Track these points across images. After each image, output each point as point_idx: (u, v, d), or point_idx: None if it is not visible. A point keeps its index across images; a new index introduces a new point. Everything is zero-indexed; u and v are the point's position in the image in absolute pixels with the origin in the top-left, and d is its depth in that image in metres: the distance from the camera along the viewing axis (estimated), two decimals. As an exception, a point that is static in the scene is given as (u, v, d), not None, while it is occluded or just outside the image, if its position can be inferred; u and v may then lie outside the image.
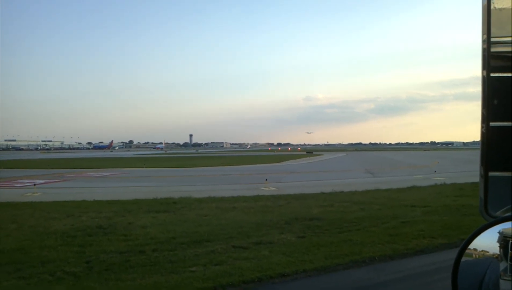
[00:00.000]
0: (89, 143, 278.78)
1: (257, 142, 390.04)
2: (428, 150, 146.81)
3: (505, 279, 1.05)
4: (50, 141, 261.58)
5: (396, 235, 9.95)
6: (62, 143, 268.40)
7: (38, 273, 7.30)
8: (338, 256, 8.25)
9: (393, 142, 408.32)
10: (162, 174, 34.45)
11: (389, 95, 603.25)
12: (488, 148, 1.33)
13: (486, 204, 1.33)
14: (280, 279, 7.10)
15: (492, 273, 1.07)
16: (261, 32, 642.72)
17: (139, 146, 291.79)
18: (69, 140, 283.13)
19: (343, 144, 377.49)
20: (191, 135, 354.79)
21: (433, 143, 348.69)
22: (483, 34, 1.32)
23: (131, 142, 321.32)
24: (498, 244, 1.08)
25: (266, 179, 24.19)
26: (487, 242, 1.10)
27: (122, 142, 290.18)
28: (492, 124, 1.31)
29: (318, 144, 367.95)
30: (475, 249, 1.12)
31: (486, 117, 1.31)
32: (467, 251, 1.13)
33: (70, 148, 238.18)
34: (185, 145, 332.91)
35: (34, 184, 22.58)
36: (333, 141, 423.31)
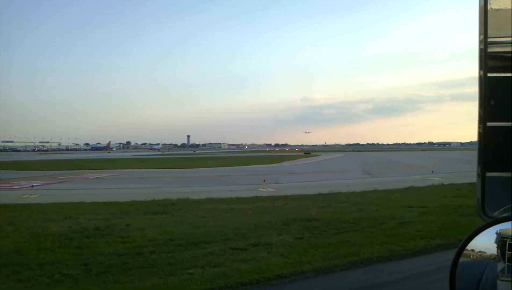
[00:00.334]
0: (87, 144, 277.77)
1: (255, 143, 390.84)
2: (426, 150, 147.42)
3: (502, 280, 1.05)
4: (48, 142, 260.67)
5: (393, 235, 9.96)
6: (59, 144, 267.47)
7: (36, 276, 7.27)
8: (336, 257, 8.25)
9: (390, 143, 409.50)
10: (160, 175, 34.43)
11: (386, 96, 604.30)
12: (485, 149, 1.33)
13: (484, 204, 1.32)
14: (278, 280, 7.10)
15: (489, 274, 1.07)
16: (260, 33, 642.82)
17: (136, 147, 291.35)
18: (67, 141, 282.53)
19: (340, 145, 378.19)
20: (188, 136, 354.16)
21: (430, 143, 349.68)
22: (480, 34, 1.32)
23: (128, 143, 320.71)
24: (495, 245, 1.08)
25: (264, 180, 24.19)
26: (484, 242, 1.10)
27: (119, 143, 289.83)
28: (489, 124, 1.31)
29: (316, 145, 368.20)
30: (472, 250, 1.12)
31: (483, 117, 1.31)
32: (464, 251, 1.13)
33: (68, 149, 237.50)
34: (183, 146, 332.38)
35: (32, 186, 22.50)
36: (331, 141, 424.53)
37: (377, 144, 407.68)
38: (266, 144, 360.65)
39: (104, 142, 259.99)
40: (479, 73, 1.33)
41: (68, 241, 9.78)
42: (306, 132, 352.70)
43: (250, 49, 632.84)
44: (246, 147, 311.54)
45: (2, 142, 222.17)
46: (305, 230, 10.68)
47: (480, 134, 1.32)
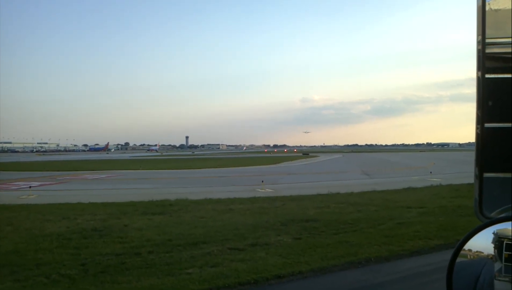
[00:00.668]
0: (85, 145, 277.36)
1: (254, 143, 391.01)
2: (424, 151, 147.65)
3: (499, 280, 1.06)
4: (46, 143, 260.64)
5: (392, 236, 9.96)
6: (57, 145, 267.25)
7: (34, 276, 7.25)
8: (334, 258, 8.25)
9: (389, 144, 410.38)
10: (158, 176, 34.39)
11: (385, 97, 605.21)
12: (483, 149, 1.33)
13: (481, 205, 1.33)
14: (276, 280, 7.09)
15: (487, 274, 1.08)
16: (259, 33, 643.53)
17: (135, 148, 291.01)
18: (65, 142, 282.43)
19: (339, 146, 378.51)
20: (187, 137, 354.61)
21: (429, 144, 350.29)
22: (478, 35, 1.32)
23: (127, 144, 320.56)
24: (493, 245, 1.08)
25: (263, 181, 24.17)
26: (482, 243, 1.10)
27: (118, 144, 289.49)
28: (487, 125, 1.31)
29: (315, 146, 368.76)
30: (470, 250, 1.12)
31: (481, 118, 1.31)
32: (462, 251, 1.13)
33: (66, 150, 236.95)
34: (181, 147, 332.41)
35: (30, 187, 22.44)
36: (330, 142, 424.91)
37: (376, 145, 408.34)
38: (264, 145, 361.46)
39: (102, 143, 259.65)
40: (477, 74, 1.33)
41: (66, 242, 9.75)
42: (305, 132, 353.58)
43: (249, 49, 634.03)
44: (245, 148, 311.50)
45: (0, 143, 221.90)
46: (304, 231, 10.68)
47: (478, 135, 1.33)
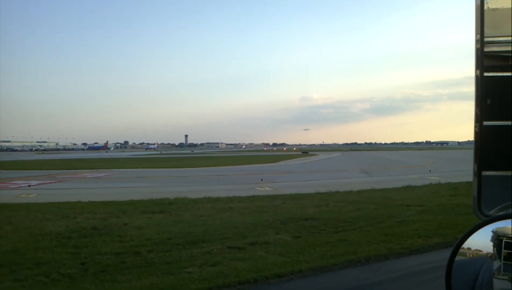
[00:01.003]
0: (84, 144, 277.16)
1: (253, 142, 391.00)
2: (423, 149, 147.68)
3: (498, 278, 1.06)
4: (45, 142, 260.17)
5: (391, 234, 9.98)
6: (57, 144, 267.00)
7: (33, 275, 7.25)
8: (333, 256, 8.26)
9: (388, 142, 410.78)
10: (158, 175, 34.39)
11: (385, 95, 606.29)
12: (481, 147, 1.33)
13: (480, 203, 1.33)
14: (275, 279, 7.10)
15: (485, 272, 1.08)
16: (259, 33, 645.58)
17: (134, 147, 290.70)
18: (64, 141, 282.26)
19: (338, 144, 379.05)
20: (186, 136, 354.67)
21: (428, 142, 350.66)
22: (476, 34, 1.33)
23: (126, 142, 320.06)
24: (491, 243, 1.08)
25: (262, 179, 24.18)
26: (480, 241, 1.10)
27: (117, 143, 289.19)
28: (485, 123, 1.31)
29: (314, 144, 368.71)
30: (468, 248, 1.12)
31: (480, 117, 1.32)
32: (460, 250, 1.13)
33: (65, 149, 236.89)
34: (181, 145, 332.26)
35: (29, 185, 22.45)
36: (329, 141, 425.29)
37: (375, 143, 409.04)
38: (264, 144, 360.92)
39: (101, 142, 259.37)
40: (476, 72, 1.33)
41: (65, 241, 9.75)
42: (305, 129, 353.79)
43: (249, 49, 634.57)
44: (244, 146, 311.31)
45: (0, 141, 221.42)
46: (303, 229, 10.69)
47: (476, 133, 1.33)
